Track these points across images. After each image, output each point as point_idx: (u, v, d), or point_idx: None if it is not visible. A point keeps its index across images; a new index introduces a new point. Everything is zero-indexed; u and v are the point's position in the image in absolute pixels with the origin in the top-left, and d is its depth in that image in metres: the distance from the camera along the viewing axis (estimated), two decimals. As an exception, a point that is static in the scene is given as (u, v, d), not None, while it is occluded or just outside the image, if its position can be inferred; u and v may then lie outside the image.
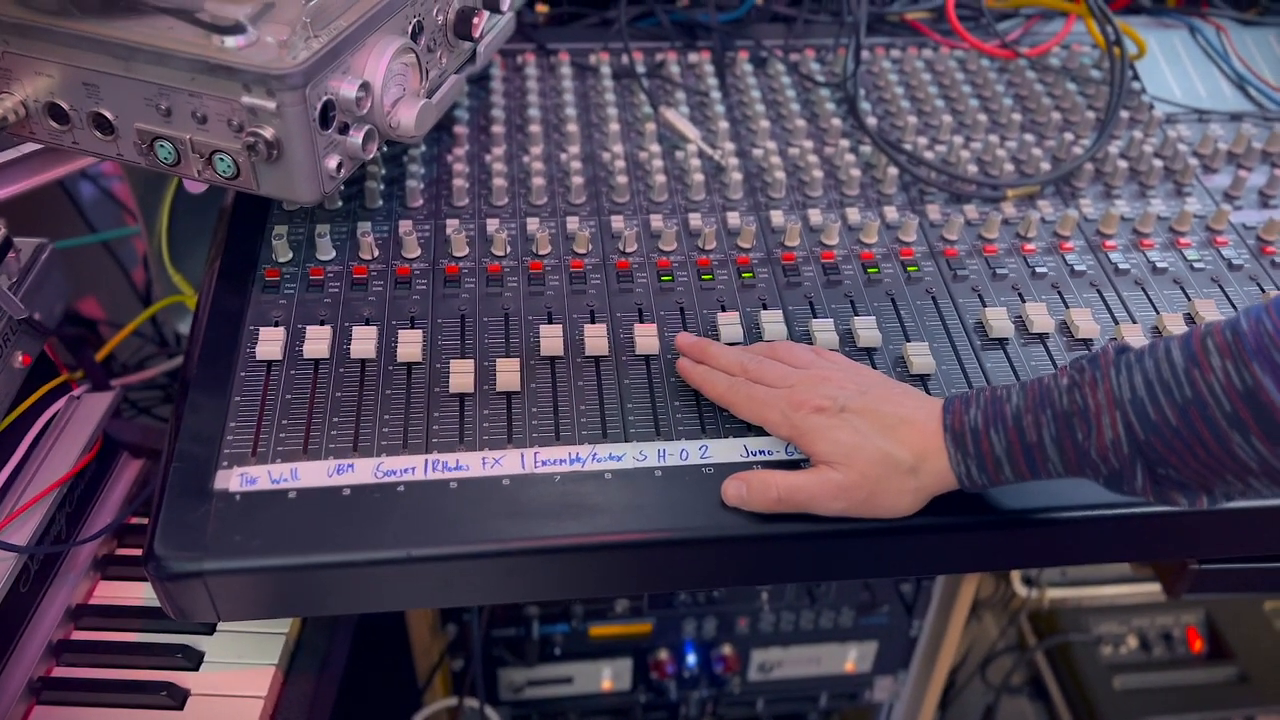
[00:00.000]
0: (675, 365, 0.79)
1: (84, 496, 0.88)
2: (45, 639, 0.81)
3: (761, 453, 0.74)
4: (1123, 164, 1.01)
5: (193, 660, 0.82)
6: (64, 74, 0.74)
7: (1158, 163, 1.01)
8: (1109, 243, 0.93)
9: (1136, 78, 1.14)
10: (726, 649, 1.33)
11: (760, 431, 0.75)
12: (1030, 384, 0.67)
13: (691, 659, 1.33)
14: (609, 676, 1.34)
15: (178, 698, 0.79)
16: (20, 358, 0.81)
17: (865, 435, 0.68)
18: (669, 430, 0.76)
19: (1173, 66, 1.16)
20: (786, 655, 1.35)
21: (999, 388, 0.68)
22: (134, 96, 0.73)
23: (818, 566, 0.77)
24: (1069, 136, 1.03)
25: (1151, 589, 1.56)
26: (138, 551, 0.90)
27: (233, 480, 0.71)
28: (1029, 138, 1.03)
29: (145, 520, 0.90)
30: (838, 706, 1.47)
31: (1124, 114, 1.07)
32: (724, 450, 0.74)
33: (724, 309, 0.85)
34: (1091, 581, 1.55)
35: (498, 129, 1.02)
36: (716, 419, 0.76)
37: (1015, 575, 1.51)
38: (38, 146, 0.84)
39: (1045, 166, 1.01)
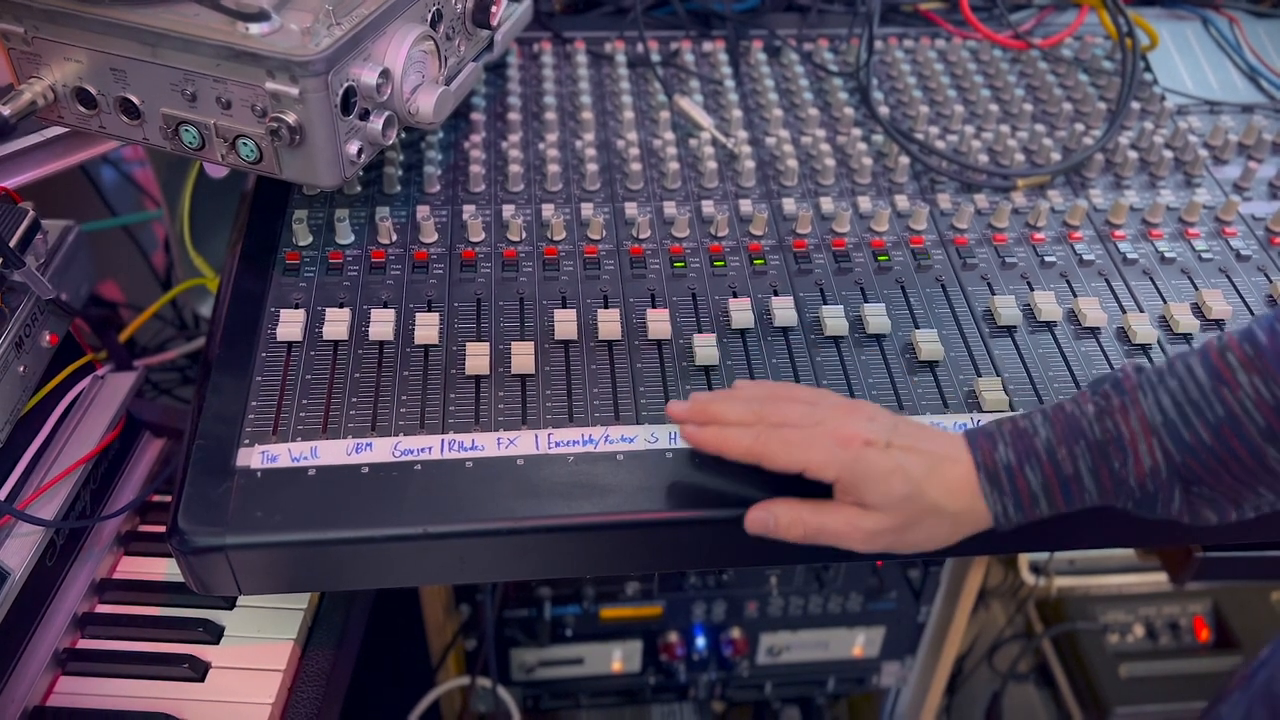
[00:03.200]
0: (681, 436, 0.71)
1: (107, 474, 0.90)
2: (70, 612, 0.83)
3: (771, 436, 0.76)
4: (1133, 155, 1.02)
5: (213, 634, 0.84)
6: (92, 59, 0.75)
7: (1168, 154, 1.02)
8: (1118, 232, 0.94)
9: (1148, 69, 1.14)
10: (735, 632, 1.34)
11: (770, 415, 0.77)
12: (1053, 413, 0.66)
13: (701, 642, 1.35)
14: (619, 658, 1.36)
15: (199, 670, 0.81)
16: (48, 337, 0.83)
17: (916, 484, 0.64)
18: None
19: (1185, 58, 1.16)
20: (795, 639, 1.36)
21: (1019, 418, 0.67)
22: (160, 82, 0.75)
23: (826, 550, 0.78)
24: (1080, 127, 1.03)
25: (1159, 578, 1.57)
26: (160, 528, 0.92)
27: (254, 458, 0.73)
28: (1040, 128, 1.04)
29: (167, 498, 0.92)
30: (845, 691, 1.48)
31: (1135, 105, 1.08)
32: (734, 433, 0.76)
33: (735, 295, 0.86)
34: (1099, 570, 1.56)
35: (514, 116, 1.04)
36: (727, 403, 0.78)
37: (1023, 564, 1.52)
38: (63, 130, 0.85)
39: (1056, 157, 1.02)
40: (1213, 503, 0.63)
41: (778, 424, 0.68)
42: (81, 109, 0.79)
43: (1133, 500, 0.65)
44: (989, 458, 0.65)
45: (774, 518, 0.67)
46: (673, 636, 1.34)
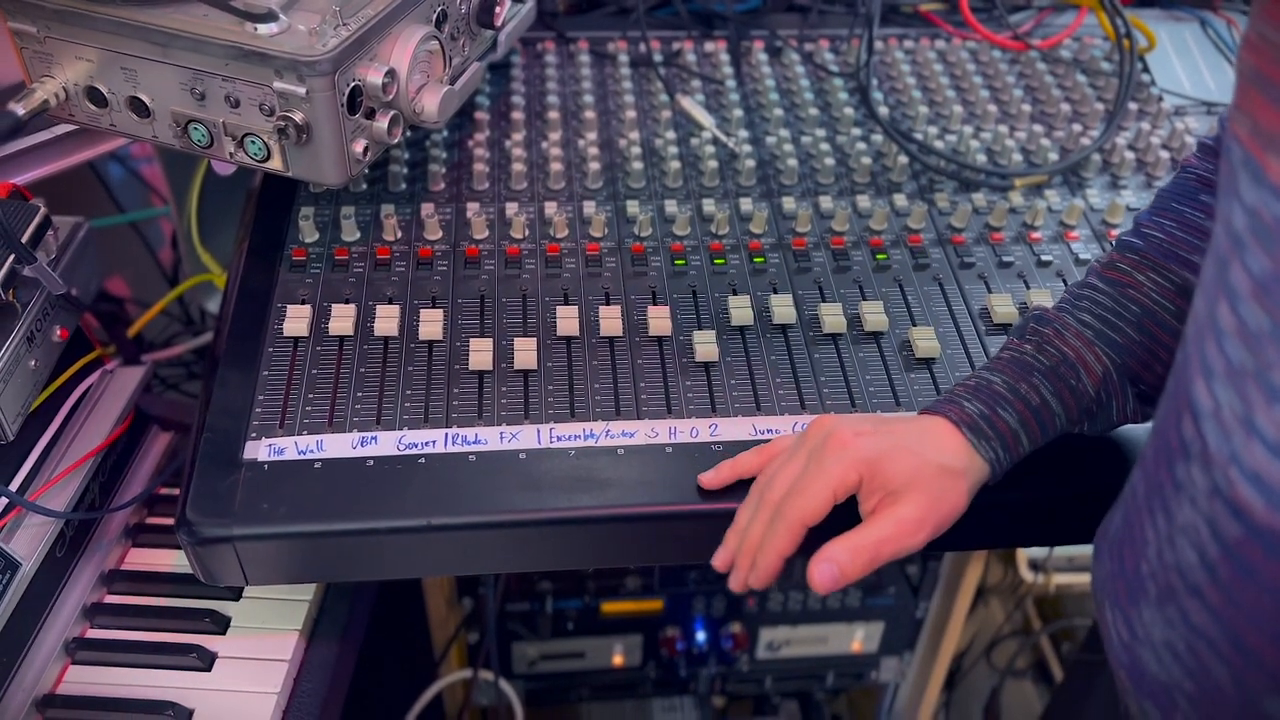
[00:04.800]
0: (758, 587, 0.69)
1: (116, 467, 0.91)
2: (79, 602, 0.84)
3: (770, 431, 0.77)
4: (1130, 155, 1.03)
5: (220, 625, 0.85)
6: (103, 59, 0.77)
7: (1165, 154, 1.03)
8: (1114, 232, 0.95)
9: (1146, 70, 1.15)
10: (735, 627, 1.36)
11: (768, 411, 0.78)
12: (994, 364, 0.71)
13: (701, 636, 1.36)
14: (620, 652, 1.37)
15: (205, 659, 0.83)
16: (58, 332, 0.84)
17: (918, 452, 0.65)
18: (680, 409, 0.78)
19: (1183, 59, 1.17)
20: (794, 634, 1.37)
21: (965, 381, 0.71)
22: (170, 81, 0.76)
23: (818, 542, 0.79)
24: (1077, 127, 1.04)
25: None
26: (168, 520, 0.93)
27: (261, 450, 0.74)
28: (1038, 128, 1.05)
29: (175, 491, 0.94)
30: (844, 686, 1.49)
31: (1133, 106, 1.09)
32: (733, 429, 0.77)
33: (735, 293, 0.87)
34: (1097, 567, 1.57)
35: (517, 115, 1.05)
36: (726, 398, 0.79)
37: (1022, 561, 1.53)
38: (73, 128, 0.87)
39: (1053, 157, 1.02)
40: (1151, 400, 0.69)
41: (784, 492, 0.67)
42: (92, 107, 0.80)
43: (1089, 416, 0.70)
44: (961, 414, 0.68)
45: (836, 565, 0.64)
46: (673, 631, 1.35)
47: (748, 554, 0.68)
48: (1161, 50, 1.17)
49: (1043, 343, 0.70)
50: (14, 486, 0.79)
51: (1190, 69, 1.16)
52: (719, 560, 0.71)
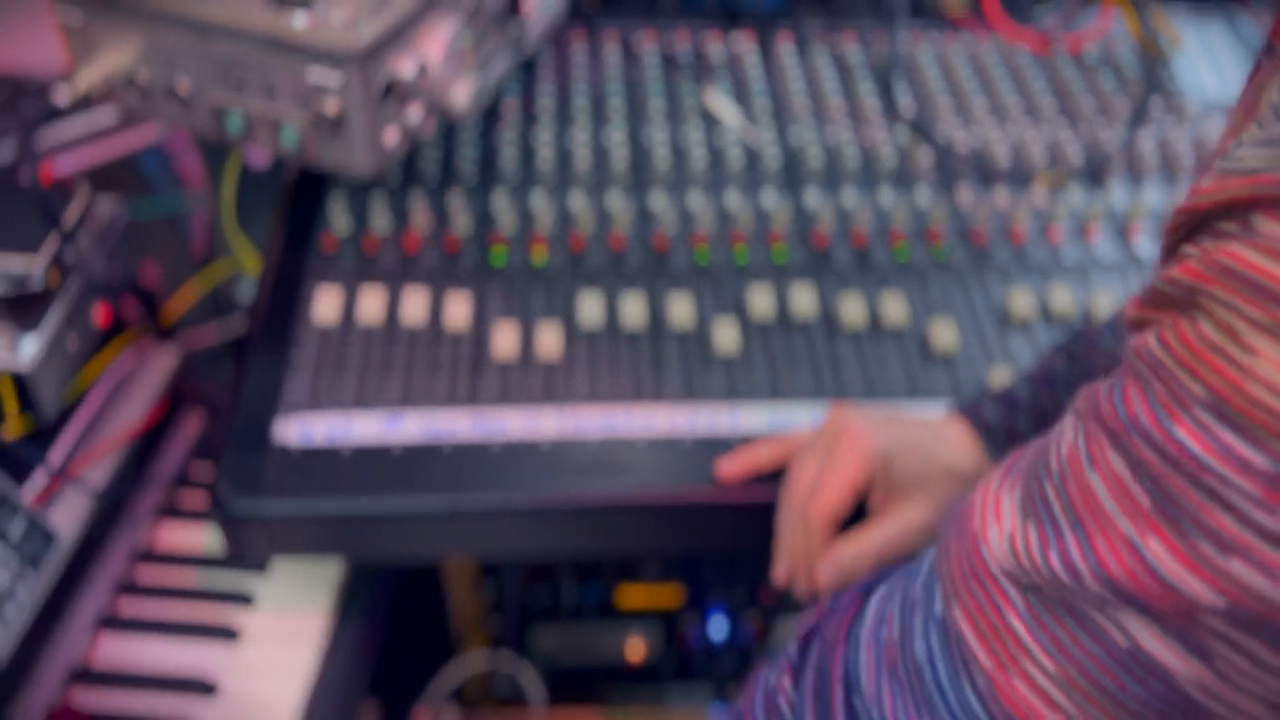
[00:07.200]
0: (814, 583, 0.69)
1: (150, 447, 0.93)
2: (113, 578, 0.86)
3: (789, 423, 0.78)
4: (1153, 154, 1.03)
5: (248, 602, 0.87)
6: (144, 48, 0.79)
7: (1188, 154, 1.03)
8: (1136, 231, 0.96)
9: (1170, 69, 1.15)
10: (752, 616, 1.36)
11: (788, 403, 0.79)
12: (1028, 374, 0.71)
13: (718, 625, 1.37)
14: (638, 639, 1.38)
15: (233, 636, 0.85)
16: (97, 314, 0.86)
17: (926, 454, 0.66)
18: (701, 399, 0.80)
19: (1209, 59, 1.17)
20: (811, 627, 1.38)
21: (997, 389, 0.72)
22: (208, 70, 0.78)
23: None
24: (1101, 126, 1.05)
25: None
26: (199, 499, 0.96)
27: (291, 431, 0.76)
28: (1061, 126, 1.06)
29: (207, 471, 0.96)
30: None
31: (1157, 105, 1.09)
32: (753, 420, 0.78)
33: (757, 286, 0.88)
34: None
35: (544, 107, 1.06)
36: (747, 391, 0.80)
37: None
38: (115, 119, 0.89)
39: (1076, 155, 1.03)
40: None
41: (805, 495, 0.68)
42: (133, 95, 0.82)
43: None
44: (980, 418, 0.69)
45: (838, 567, 0.65)
46: (690, 619, 1.36)
47: (803, 571, 0.69)
48: (1187, 49, 1.17)
49: (1074, 356, 0.71)
50: (54, 463, 0.81)
51: (1216, 68, 1.16)
52: (778, 576, 0.71)
